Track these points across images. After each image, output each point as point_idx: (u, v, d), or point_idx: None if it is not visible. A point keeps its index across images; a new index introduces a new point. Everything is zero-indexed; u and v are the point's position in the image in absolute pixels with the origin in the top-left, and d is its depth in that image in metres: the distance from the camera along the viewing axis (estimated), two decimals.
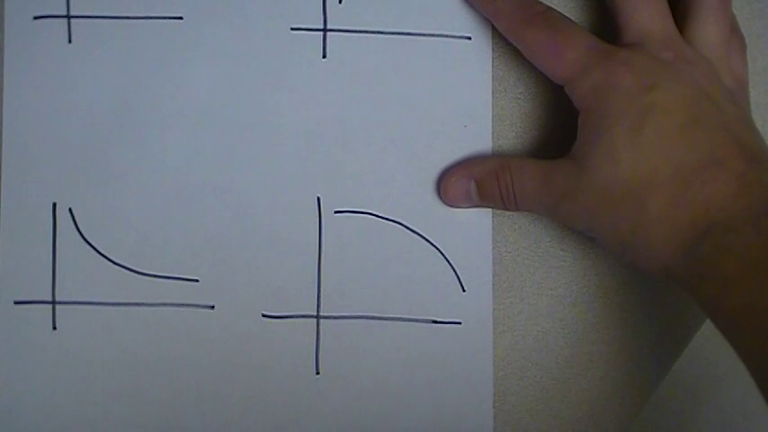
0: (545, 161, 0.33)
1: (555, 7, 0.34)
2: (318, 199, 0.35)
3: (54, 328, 0.35)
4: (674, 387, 0.37)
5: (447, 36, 0.36)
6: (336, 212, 0.35)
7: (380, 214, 0.36)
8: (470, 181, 0.35)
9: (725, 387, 0.37)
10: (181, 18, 0.35)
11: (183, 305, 0.35)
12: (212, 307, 0.35)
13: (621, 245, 0.32)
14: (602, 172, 0.31)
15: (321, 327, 0.35)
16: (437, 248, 0.36)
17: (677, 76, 0.32)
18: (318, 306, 0.35)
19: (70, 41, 0.35)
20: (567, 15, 0.34)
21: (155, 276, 0.35)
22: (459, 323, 0.36)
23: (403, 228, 0.36)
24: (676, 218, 0.30)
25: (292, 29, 0.36)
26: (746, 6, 0.37)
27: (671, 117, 0.31)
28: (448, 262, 0.36)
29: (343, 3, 0.36)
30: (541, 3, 0.34)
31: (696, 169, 0.30)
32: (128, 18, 0.35)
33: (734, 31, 0.35)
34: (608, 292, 0.37)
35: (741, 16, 0.36)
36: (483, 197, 0.35)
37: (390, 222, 0.36)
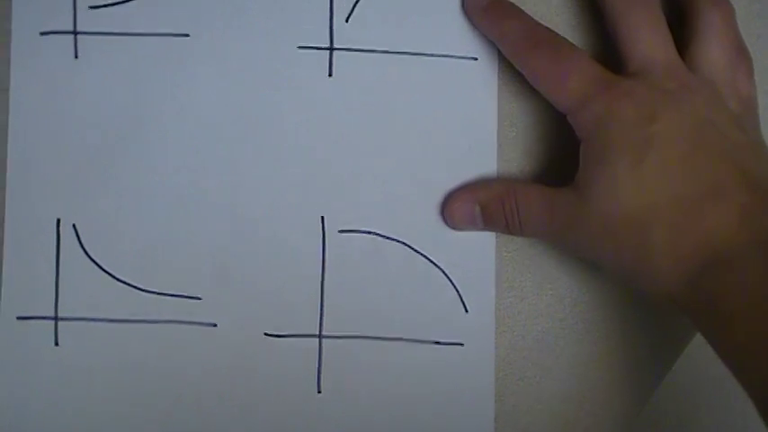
0: (550, 188, 0.33)
1: (560, 33, 0.34)
2: (323, 218, 0.35)
3: (56, 344, 0.35)
4: (674, 387, 0.37)
5: (453, 57, 0.36)
6: (340, 232, 0.35)
7: (384, 234, 0.36)
8: (475, 205, 0.35)
9: (725, 388, 0.37)
10: (187, 35, 0.35)
11: (185, 323, 0.35)
12: (215, 325, 0.35)
13: (625, 274, 0.32)
14: (605, 203, 0.31)
15: (323, 346, 0.35)
16: (440, 269, 0.36)
17: (680, 106, 0.32)
18: (321, 325, 0.35)
19: (77, 57, 0.35)
20: (572, 42, 0.34)
21: (158, 293, 0.35)
22: (462, 344, 0.36)
23: (407, 248, 0.36)
24: (679, 249, 0.30)
25: (299, 47, 0.35)
26: (746, 6, 0.37)
27: (673, 147, 0.31)
28: (451, 283, 0.36)
29: (349, 21, 0.36)
30: (547, 28, 0.34)
31: (698, 200, 0.30)
32: (134, 35, 0.35)
33: (740, 51, 0.34)
34: (608, 291, 0.37)
35: (741, 16, 0.36)
36: (487, 222, 0.35)
37: (394, 242, 0.36)
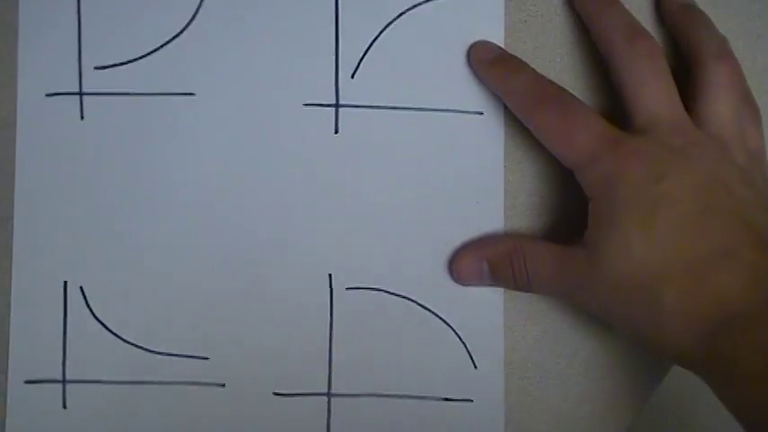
0: (558, 246, 0.33)
1: (566, 88, 0.34)
2: (330, 275, 0.35)
3: (64, 407, 0.34)
4: (674, 387, 0.37)
5: (459, 111, 0.36)
6: (348, 289, 0.35)
7: (392, 291, 0.36)
8: (483, 262, 0.35)
9: None
10: (193, 94, 0.35)
11: (193, 383, 0.35)
12: (223, 385, 0.35)
13: (637, 336, 0.32)
14: (615, 265, 0.31)
15: (332, 405, 0.35)
16: (449, 325, 0.36)
17: (687, 164, 0.31)
18: (330, 384, 0.35)
19: (82, 118, 0.35)
20: (579, 97, 0.34)
21: (165, 354, 0.35)
22: (471, 401, 0.35)
23: (414, 304, 0.36)
24: (691, 311, 0.30)
25: (305, 104, 0.35)
26: (746, 6, 0.37)
27: (681, 207, 0.31)
28: (460, 339, 0.36)
29: (355, 78, 0.36)
30: (553, 83, 0.34)
31: (708, 260, 0.30)
32: (140, 94, 0.35)
33: (746, 103, 0.34)
34: None
35: (741, 16, 0.36)
36: (496, 279, 0.35)
37: (401, 299, 0.35)
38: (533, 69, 0.35)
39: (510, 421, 0.36)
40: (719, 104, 0.33)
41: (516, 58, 0.35)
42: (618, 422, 0.36)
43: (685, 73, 0.35)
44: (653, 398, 0.37)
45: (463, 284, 0.35)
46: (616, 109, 0.35)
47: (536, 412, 0.36)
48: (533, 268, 0.33)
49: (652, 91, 0.33)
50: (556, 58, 0.36)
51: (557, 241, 0.34)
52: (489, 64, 0.35)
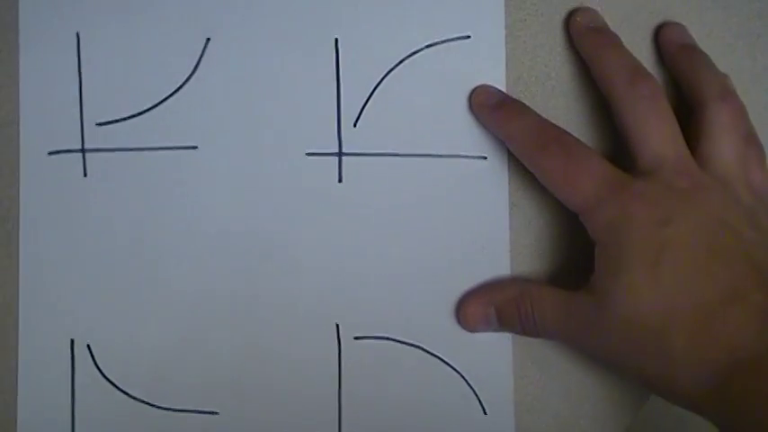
0: (565, 291, 0.33)
1: (569, 131, 0.34)
2: (337, 325, 0.35)
3: None
4: None
5: (462, 156, 0.36)
6: (356, 338, 0.35)
7: (400, 339, 0.35)
8: (490, 308, 0.34)
9: None
10: (195, 147, 0.35)
11: None
12: None
13: (646, 383, 0.32)
14: (622, 310, 0.31)
15: None
16: (457, 372, 0.35)
17: (693, 207, 0.31)
18: None
19: (85, 175, 0.35)
20: (582, 139, 0.34)
21: (174, 410, 0.35)
22: None
23: (423, 351, 0.35)
24: (701, 357, 0.30)
25: (307, 153, 0.35)
26: (746, 6, 0.37)
27: (688, 252, 0.31)
28: (469, 385, 0.35)
29: (357, 126, 0.36)
30: (556, 126, 0.34)
31: (717, 305, 0.30)
32: (142, 149, 0.35)
33: (750, 142, 0.34)
34: None
35: (741, 16, 0.36)
36: (503, 324, 0.34)
37: (410, 347, 0.35)
38: (536, 113, 0.34)
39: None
40: (723, 145, 0.33)
41: (519, 101, 0.35)
42: (618, 422, 0.36)
43: (687, 113, 0.35)
44: (653, 398, 0.36)
45: (471, 330, 0.35)
46: (620, 151, 0.34)
47: (536, 412, 0.36)
48: (541, 313, 0.33)
49: (655, 132, 0.33)
50: (558, 100, 0.36)
51: (563, 286, 0.34)
52: (491, 108, 0.35)
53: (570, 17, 0.36)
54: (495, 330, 0.35)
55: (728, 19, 0.37)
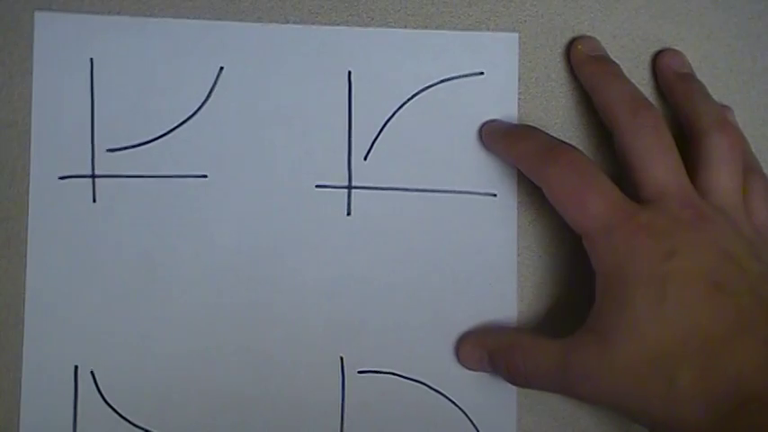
0: (561, 340, 0.33)
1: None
2: (342, 358, 0.35)
3: None
4: None
5: (472, 193, 0.36)
6: (360, 372, 0.35)
7: (404, 374, 0.35)
8: (483, 351, 0.34)
9: None
10: (205, 176, 0.35)
11: None
12: None
13: (652, 421, 0.31)
14: (627, 348, 0.31)
15: None
16: (460, 409, 0.35)
17: (697, 239, 0.31)
18: None
19: (95, 201, 0.35)
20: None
21: None
22: None
23: (426, 388, 0.35)
24: (708, 392, 0.30)
25: (317, 186, 0.35)
26: (746, 6, 0.37)
27: (693, 286, 0.30)
28: (471, 422, 0.35)
29: (368, 159, 0.36)
30: (568, 143, 0.33)
31: (723, 339, 0.30)
32: (152, 177, 0.35)
33: (751, 174, 0.34)
34: None
35: (741, 16, 0.36)
36: (493, 369, 0.34)
37: (414, 382, 0.35)
38: (547, 133, 0.34)
39: None
40: (721, 176, 0.33)
41: (529, 126, 0.35)
42: (618, 422, 0.36)
43: (685, 142, 0.34)
44: None
45: (468, 369, 0.35)
46: (622, 177, 0.34)
47: (536, 412, 0.36)
48: (533, 367, 0.33)
49: (659, 163, 0.33)
50: (563, 130, 0.36)
51: (568, 325, 0.33)
52: (501, 134, 0.35)
53: (571, 45, 0.36)
54: (489, 373, 0.35)
55: (728, 19, 0.37)
